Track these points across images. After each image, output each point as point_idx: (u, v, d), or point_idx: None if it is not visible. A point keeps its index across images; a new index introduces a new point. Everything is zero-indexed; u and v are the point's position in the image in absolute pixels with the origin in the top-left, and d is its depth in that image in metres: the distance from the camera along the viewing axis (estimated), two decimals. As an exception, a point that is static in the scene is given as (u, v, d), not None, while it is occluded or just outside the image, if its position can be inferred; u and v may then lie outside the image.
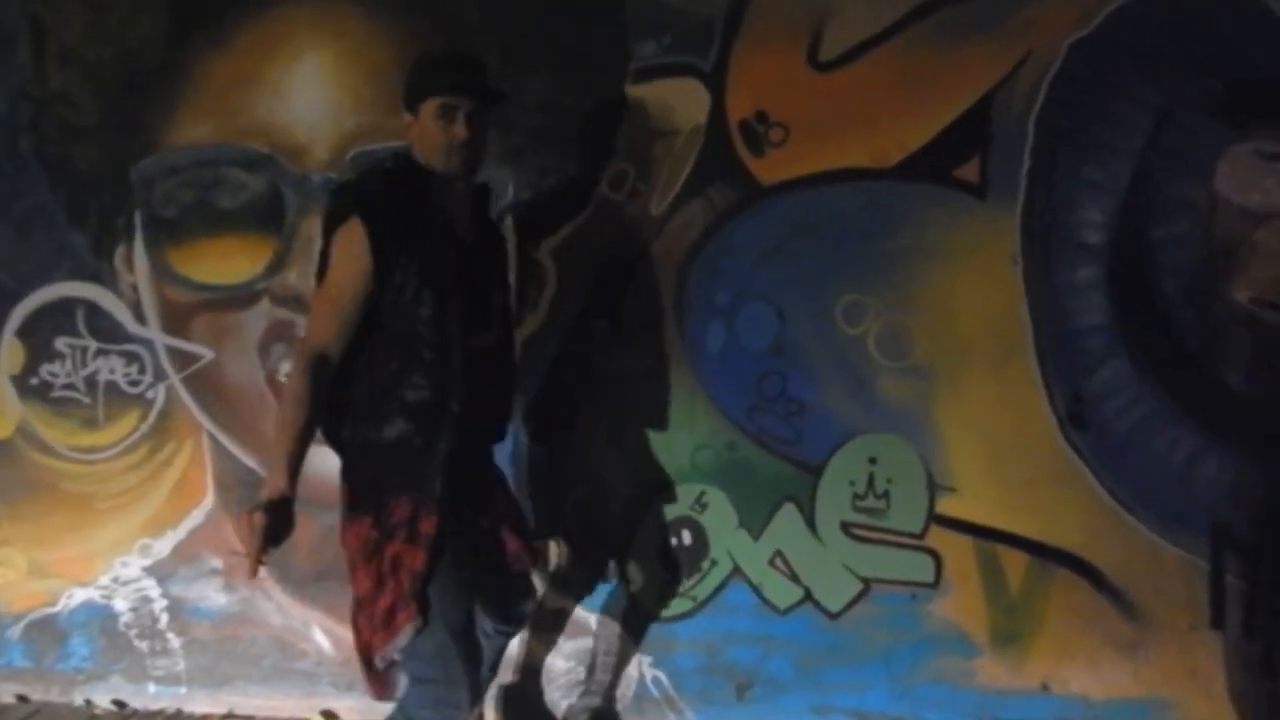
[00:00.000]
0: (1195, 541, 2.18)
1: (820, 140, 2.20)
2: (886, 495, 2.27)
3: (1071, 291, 2.17)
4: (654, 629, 2.38)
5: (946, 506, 2.25)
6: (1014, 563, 2.24)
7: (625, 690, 2.40)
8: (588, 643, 2.41)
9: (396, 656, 1.70)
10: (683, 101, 2.24)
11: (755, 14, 2.19)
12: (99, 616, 2.57)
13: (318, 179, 2.36)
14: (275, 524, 1.58)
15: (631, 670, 2.40)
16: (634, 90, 2.25)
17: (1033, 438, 2.20)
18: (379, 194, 1.72)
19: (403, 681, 1.80)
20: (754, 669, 2.35)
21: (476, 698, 1.84)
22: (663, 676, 2.38)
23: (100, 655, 2.59)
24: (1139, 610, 2.21)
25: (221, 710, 2.52)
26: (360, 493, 1.73)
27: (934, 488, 2.25)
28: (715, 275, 2.27)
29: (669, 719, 2.39)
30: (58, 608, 2.59)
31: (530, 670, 2.42)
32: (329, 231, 1.71)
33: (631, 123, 2.26)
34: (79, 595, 2.58)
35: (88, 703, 2.58)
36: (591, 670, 2.41)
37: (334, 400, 1.70)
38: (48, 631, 2.60)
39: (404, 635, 1.68)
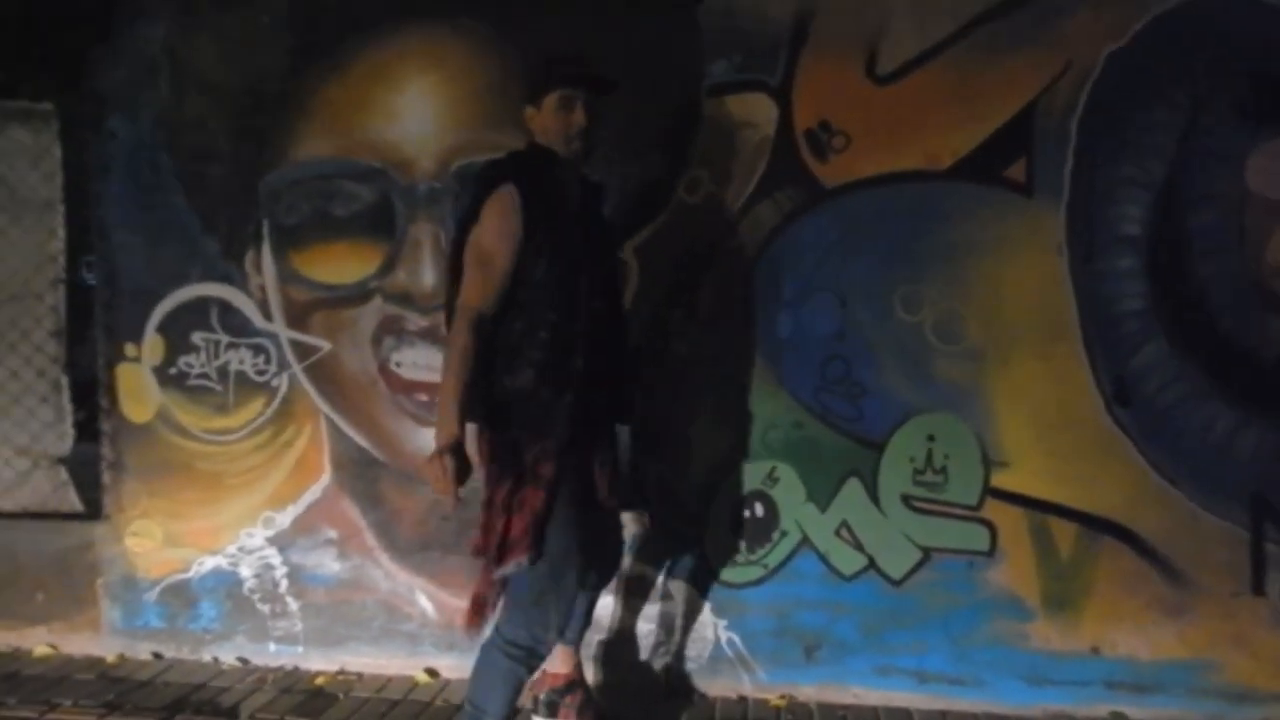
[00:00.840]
0: (1235, 511, 2.35)
1: (879, 146, 2.43)
2: (944, 470, 2.47)
3: (1113, 279, 2.37)
4: (728, 594, 2.59)
5: (1000, 480, 2.45)
6: (1063, 532, 2.43)
7: (701, 651, 2.62)
8: (668, 607, 2.63)
9: (504, 575, 1.94)
10: (753, 113, 2.48)
11: (817, 33, 2.44)
12: (226, 582, 2.86)
13: (423, 189, 2.64)
14: (460, 465, 1.85)
15: (707, 633, 2.61)
16: (708, 104, 2.50)
17: (1079, 415, 2.39)
18: (524, 167, 1.98)
19: (500, 605, 2.02)
20: (821, 632, 2.55)
21: (563, 628, 2.05)
22: (736, 639, 2.59)
23: (226, 617, 2.87)
24: (1183, 576, 2.38)
25: (334, 668, 2.78)
26: (497, 439, 1.98)
27: (988, 463, 2.44)
28: (783, 269, 2.50)
29: (742, 678, 2.59)
30: (189, 574, 2.88)
31: (619, 632, 2.64)
32: (480, 200, 1.95)
33: (706, 133, 2.51)
34: (209, 563, 2.87)
35: (215, 660, 2.86)
36: (670, 632, 2.63)
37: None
38: (180, 595, 2.89)
39: (511, 567, 1.92)
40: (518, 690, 2.02)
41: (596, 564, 2.17)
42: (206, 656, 2.87)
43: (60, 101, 2.93)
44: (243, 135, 2.76)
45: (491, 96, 2.61)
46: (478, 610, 2.00)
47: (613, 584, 2.59)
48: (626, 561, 2.60)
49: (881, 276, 2.46)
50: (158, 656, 2.89)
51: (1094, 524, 2.41)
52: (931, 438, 2.47)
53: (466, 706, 2.05)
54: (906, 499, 2.49)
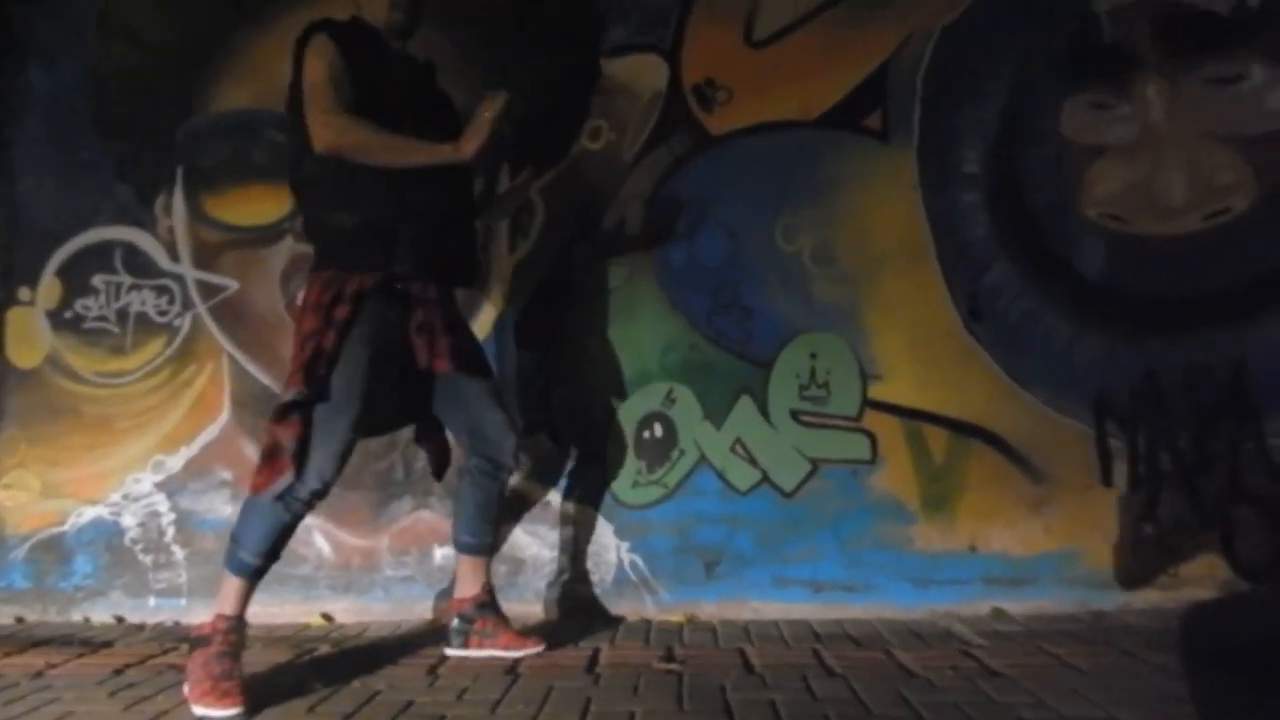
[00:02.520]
0: (1082, 411, 2.62)
1: (757, 99, 2.76)
2: (826, 385, 2.67)
3: (960, 210, 2.71)
4: (630, 516, 2.66)
5: (876, 392, 2.66)
6: (935, 437, 2.64)
7: (605, 575, 2.65)
8: (570, 531, 2.67)
9: (288, 400, 1.90)
10: (646, 71, 2.79)
11: (701, 4, 2.80)
12: (105, 534, 2.73)
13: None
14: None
15: (610, 556, 2.65)
16: (608, 64, 2.80)
17: (941, 329, 2.67)
18: (340, 25, 2.06)
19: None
20: (720, 547, 2.63)
21: (327, 475, 1.93)
22: (639, 560, 2.64)
23: (103, 572, 2.71)
24: (1043, 473, 2.61)
25: (220, 618, 2.64)
26: (314, 277, 2.04)
27: (865, 376, 2.67)
28: (676, 206, 2.75)
29: (645, 600, 2.62)
30: (65, 527, 2.73)
31: (522, 560, 2.65)
32: (298, 58, 2.00)
33: (605, 89, 2.80)
34: (88, 514, 2.74)
35: (86, 620, 2.68)
36: (574, 558, 2.65)
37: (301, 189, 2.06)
38: (53, 551, 2.73)
39: (288, 395, 1.90)
40: (277, 530, 1.91)
41: (387, 420, 2.17)
42: (77, 616, 2.69)
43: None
44: (167, 85, 2.87)
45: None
46: (267, 461, 1.91)
47: (518, 511, 2.65)
48: (529, 486, 2.66)
49: (763, 211, 2.73)
50: (19, 621, 2.68)
51: (961, 429, 2.63)
52: (814, 355, 2.68)
53: (229, 542, 1.95)
54: (794, 414, 2.67)
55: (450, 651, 2.21)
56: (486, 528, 2.27)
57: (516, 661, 2.12)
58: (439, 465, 2.28)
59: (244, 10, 2.84)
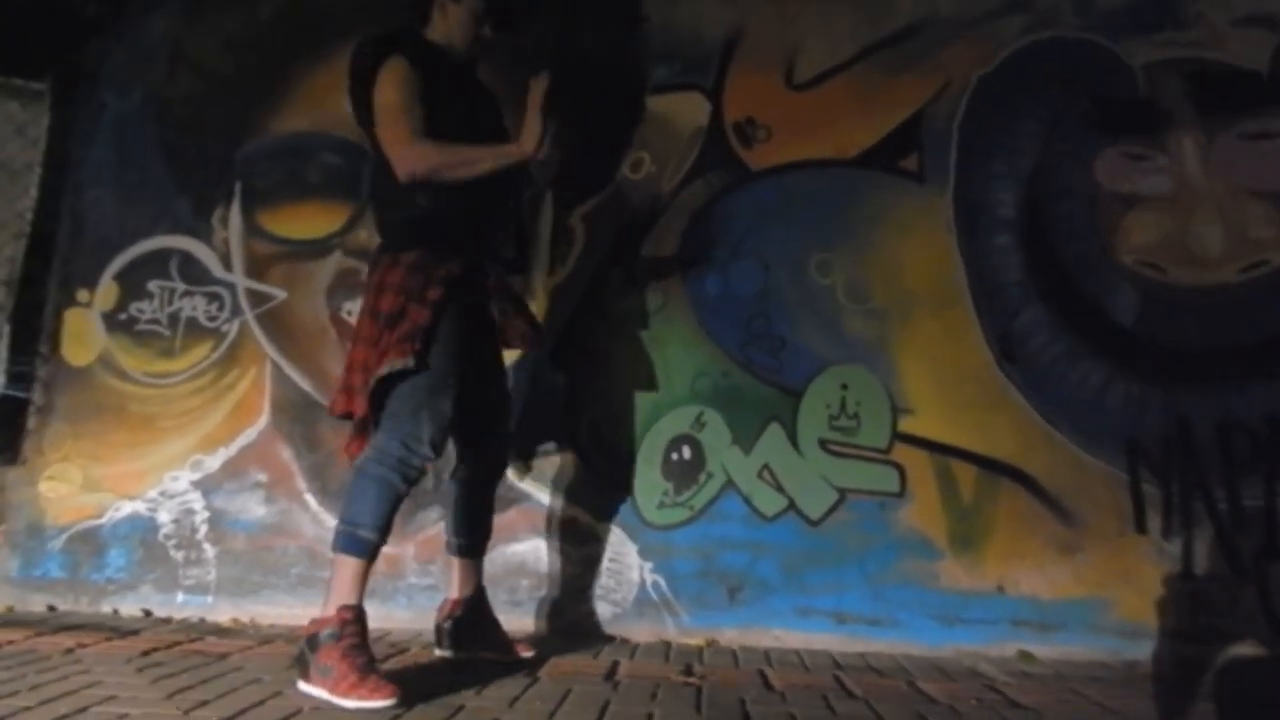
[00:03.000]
0: (1115, 457, 2.61)
1: (796, 138, 2.84)
2: (856, 415, 2.68)
3: (994, 254, 2.75)
4: (654, 536, 2.66)
5: (906, 426, 2.67)
6: (964, 474, 2.63)
7: (627, 595, 2.64)
8: (595, 549, 2.67)
9: (384, 372, 1.95)
10: (689, 108, 2.90)
11: (744, 48, 2.91)
12: (140, 529, 2.78)
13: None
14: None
15: (633, 575, 2.65)
16: (652, 100, 2.91)
17: (973, 368, 2.68)
18: (409, 42, 2.12)
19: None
20: (744, 573, 2.62)
21: (438, 446, 2.00)
22: (661, 581, 2.64)
23: (135, 566, 2.76)
24: (1074, 516, 2.58)
25: (245, 619, 2.67)
26: (401, 259, 2.07)
27: (895, 410, 2.68)
28: (713, 237, 2.82)
29: (666, 621, 2.61)
30: (102, 520, 2.80)
31: (546, 576, 2.66)
32: (370, 75, 2.06)
33: (649, 124, 2.90)
34: (125, 509, 2.80)
35: (115, 612, 2.72)
36: (596, 576, 2.65)
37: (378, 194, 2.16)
38: (89, 543, 2.78)
39: (386, 367, 1.95)
40: (392, 502, 1.95)
41: (470, 415, 2.17)
42: (106, 608, 2.74)
43: (55, 79, 3.17)
44: (227, 112, 3.03)
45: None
46: (359, 431, 2.02)
47: (543, 528, 2.67)
48: (555, 502, 2.69)
49: (799, 245, 2.79)
50: (51, 609, 2.73)
51: (991, 466, 2.62)
52: (845, 386, 2.70)
53: (340, 526, 1.96)
54: (823, 443, 2.68)
55: (438, 652, 2.23)
56: (478, 530, 2.29)
57: (526, 665, 2.11)
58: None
59: (304, 47, 3.00)
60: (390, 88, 2.06)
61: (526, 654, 2.21)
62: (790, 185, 2.83)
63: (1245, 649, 2.44)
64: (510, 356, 2.76)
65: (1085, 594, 2.54)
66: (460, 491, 2.28)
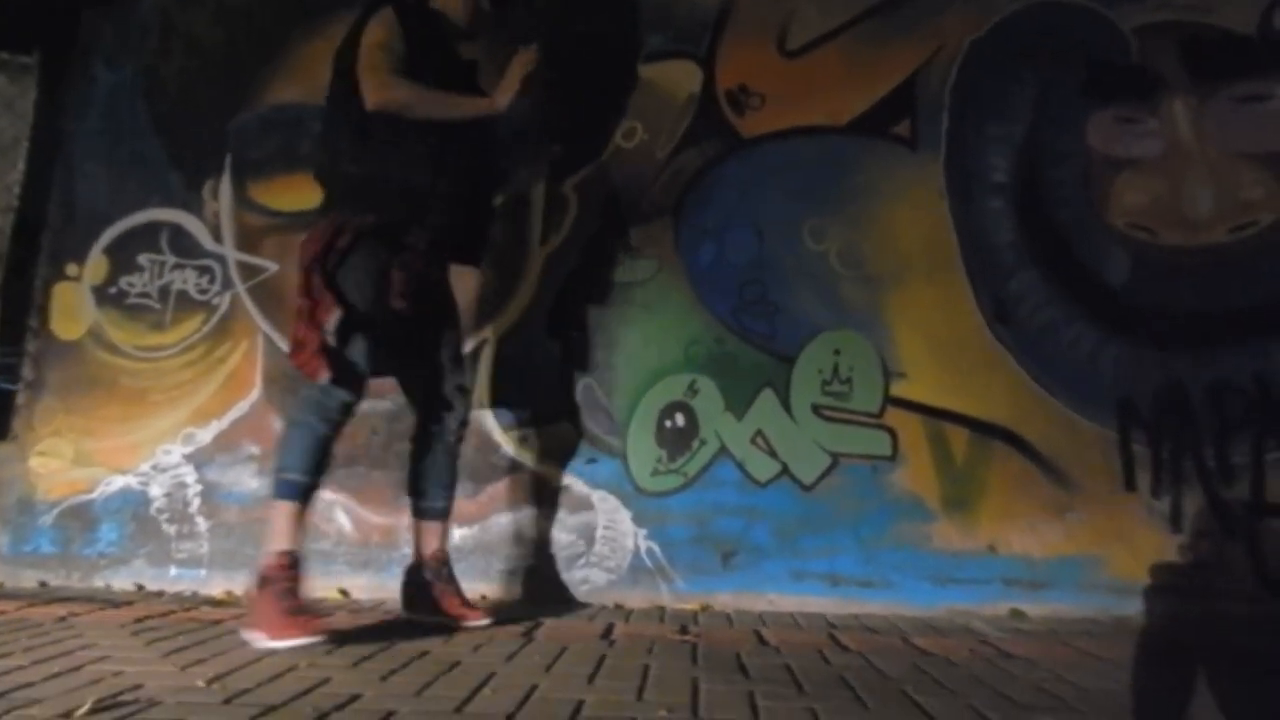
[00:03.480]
0: (1107, 417, 2.62)
1: (789, 105, 2.84)
2: (849, 381, 2.69)
3: (987, 217, 2.75)
4: (649, 503, 2.67)
5: (899, 390, 2.68)
6: (957, 437, 2.64)
7: (621, 562, 2.65)
8: (589, 517, 2.68)
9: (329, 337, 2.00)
10: (682, 77, 2.89)
11: (737, 16, 2.90)
12: (132, 503, 2.77)
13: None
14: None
15: (628, 542, 2.65)
16: (645, 69, 2.90)
17: (966, 332, 2.68)
18: (404, 3, 2.20)
19: None
20: (738, 538, 2.63)
21: (353, 383, 2.03)
22: (656, 548, 2.64)
23: (127, 540, 2.76)
24: (1066, 477, 2.60)
25: (239, 591, 2.67)
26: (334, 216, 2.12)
27: (888, 374, 2.68)
28: (706, 204, 2.81)
29: (660, 587, 2.62)
30: (94, 495, 2.79)
31: (539, 543, 2.66)
32: (361, 23, 2.14)
33: (642, 92, 2.89)
34: (117, 483, 2.79)
35: (107, 586, 2.71)
36: (591, 543, 2.66)
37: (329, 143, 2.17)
38: (80, 518, 2.77)
39: (332, 323, 2.01)
40: (315, 444, 2.00)
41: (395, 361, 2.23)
42: (99, 583, 2.73)
43: (44, 53, 3.15)
44: (219, 84, 3.01)
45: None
46: (306, 353, 2.02)
47: (537, 497, 2.67)
48: (549, 470, 2.69)
49: (792, 212, 2.79)
50: (43, 585, 2.72)
51: (983, 430, 2.63)
52: (837, 351, 2.71)
53: (273, 475, 2.04)
54: (816, 408, 2.68)
55: (406, 615, 2.25)
56: (439, 492, 2.29)
57: (518, 627, 2.12)
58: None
59: (295, 20, 2.98)
60: (377, 28, 2.14)
61: (481, 620, 2.17)
62: (783, 152, 2.83)
63: (1233, 604, 2.46)
64: (503, 326, 2.78)
65: (1076, 552, 2.56)
66: (415, 451, 2.30)
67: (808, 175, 2.81)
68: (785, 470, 2.66)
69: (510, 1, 2.42)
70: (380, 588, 2.66)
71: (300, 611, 1.87)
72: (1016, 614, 2.50)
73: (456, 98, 2.16)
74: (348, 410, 2.04)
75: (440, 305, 2.31)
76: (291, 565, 1.94)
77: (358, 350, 2.04)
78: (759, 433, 2.68)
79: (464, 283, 2.54)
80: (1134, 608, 2.49)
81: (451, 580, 2.25)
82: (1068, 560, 2.55)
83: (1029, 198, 2.76)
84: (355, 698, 1.46)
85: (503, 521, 2.68)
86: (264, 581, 1.91)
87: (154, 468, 2.80)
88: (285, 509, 1.98)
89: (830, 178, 2.80)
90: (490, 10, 2.36)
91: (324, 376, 1.98)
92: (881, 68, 2.84)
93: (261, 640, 1.84)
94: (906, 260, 2.74)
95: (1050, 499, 2.59)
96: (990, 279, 2.72)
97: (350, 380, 2.03)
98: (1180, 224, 2.69)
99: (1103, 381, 2.64)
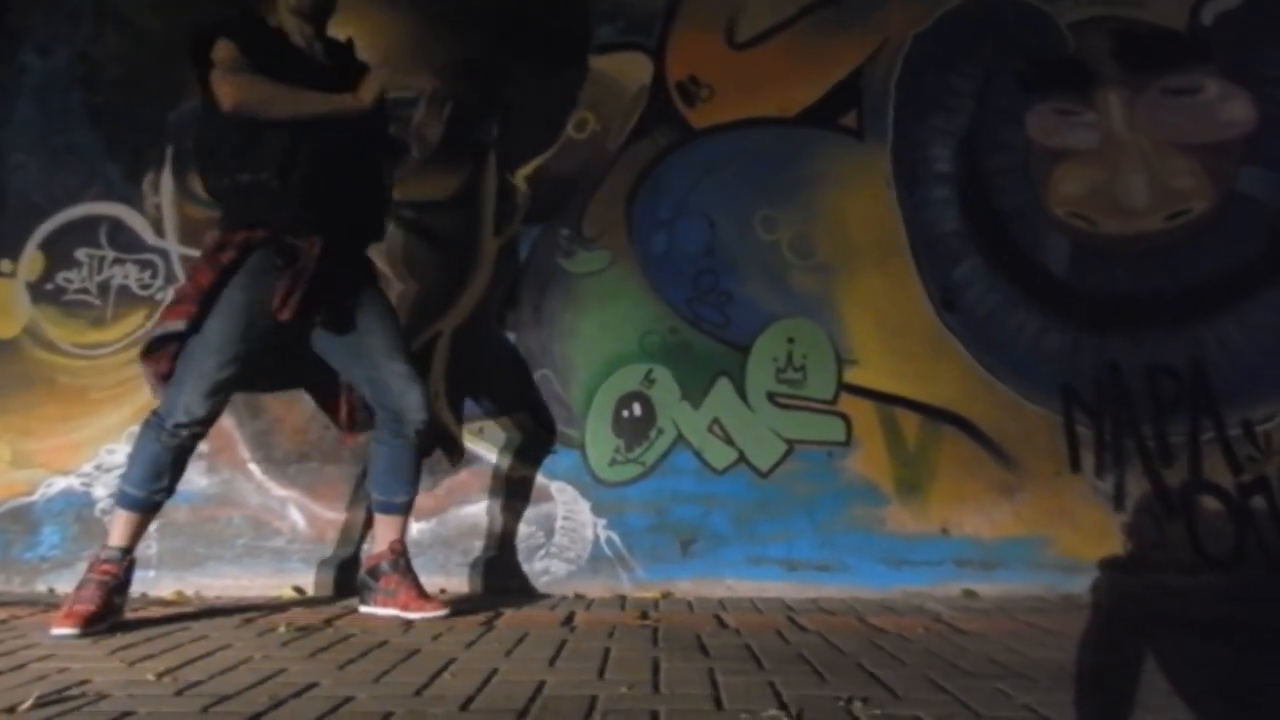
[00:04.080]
0: (1051, 400, 2.69)
1: (739, 97, 2.87)
2: (803, 368, 2.73)
3: (932, 206, 2.81)
4: (607, 493, 2.67)
5: (851, 377, 2.72)
6: (908, 422, 2.69)
7: (581, 552, 2.64)
8: (548, 508, 2.67)
9: (158, 334, 2.06)
10: (633, 68, 2.90)
11: (686, 8, 2.92)
12: (75, 504, 2.69)
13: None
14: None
15: (587, 533, 2.65)
16: (595, 60, 2.91)
17: (915, 319, 2.74)
18: (232, 23, 2.18)
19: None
20: (696, 525, 2.65)
21: (198, 414, 2.04)
22: (615, 537, 2.65)
23: (70, 543, 2.67)
24: (1013, 459, 2.66)
25: (189, 591, 2.61)
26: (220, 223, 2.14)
27: (840, 361, 2.73)
28: (658, 194, 2.83)
29: (621, 577, 2.62)
30: (34, 497, 2.70)
31: (500, 536, 2.65)
32: (204, 54, 2.09)
33: (593, 83, 2.90)
34: (59, 484, 2.71)
35: (51, 591, 2.62)
36: (551, 534, 2.65)
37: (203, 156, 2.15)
38: (20, 521, 2.68)
39: (161, 329, 2.06)
40: (152, 462, 2.03)
41: (278, 376, 2.29)
42: (41, 587, 2.64)
43: (-29, 39, 3.04)
44: (157, 72, 2.93)
45: (407, 47, 2.92)
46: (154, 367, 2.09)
47: (496, 489, 2.66)
48: (508, 462, 2.68)
49: (743, 202, 2.81)
50: (-19, 591, 2.62)
51: (933, 414, 2.69)
52: (791, 340, 2.74)
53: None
54: (771, 395, 2.71)
55: (362, 609, 2.23)
56: (397, 486, 2.26)
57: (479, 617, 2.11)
58: (349, 421, 2.32)
59: (236, 4, 2.91)
60: (220, 50, 2.09)
61: (438, 611, 2.15)
62: (733, 143, 2.86)
63: (1173, 577, 2.55)
64: (457, 319, 2.76)
65: (1025, 533, 2.63)
66: (374, 444, 2.29)
67: (758, 165, 2.84)
68: (742, 457, 2.68)
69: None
70: (337, 584, 2.63)
71: (83, 603, 1.93)
72: (969, 594, 2.56)
73: (316, 95, 2.10)
74: (188, 431, 2.05)
75: (356, 304, 2.23)
76: (113, 561, 2.01)
77: (206, 378, 2.02)
78: (716, 421, 2.70)
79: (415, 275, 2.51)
80: (1080, 584, 2.56)
81: (409, 572, 2.23)
82: (1016, 540, 2.62)
83: (972, 187, 2.83)
84: (312, 685, 1.44)
85: (461, 514, 2.66)
86: (89, 564, 2.01)
87: (97, 468, 2.71)
88: (122, 515, 2.06)
89: (780, 168, 2.83)
90: (307, 11, 2.26)
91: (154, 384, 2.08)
92: (828, 60, 2.88)
93: (65, 628, 1.89)
94: (856, 249, 2.79)
95: (998, 481, 2.65)
96: (937, 267, 2.78)
97: (192, 409, 2.03)
98: (1117, 212, 2.79)
99: (1046, 365, 2.72)
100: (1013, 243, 2.80)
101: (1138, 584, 2.55)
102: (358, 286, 2.26)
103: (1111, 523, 2.62)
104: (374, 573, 2.24)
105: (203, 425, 2.08)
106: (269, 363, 2.18)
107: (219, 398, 2.07)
